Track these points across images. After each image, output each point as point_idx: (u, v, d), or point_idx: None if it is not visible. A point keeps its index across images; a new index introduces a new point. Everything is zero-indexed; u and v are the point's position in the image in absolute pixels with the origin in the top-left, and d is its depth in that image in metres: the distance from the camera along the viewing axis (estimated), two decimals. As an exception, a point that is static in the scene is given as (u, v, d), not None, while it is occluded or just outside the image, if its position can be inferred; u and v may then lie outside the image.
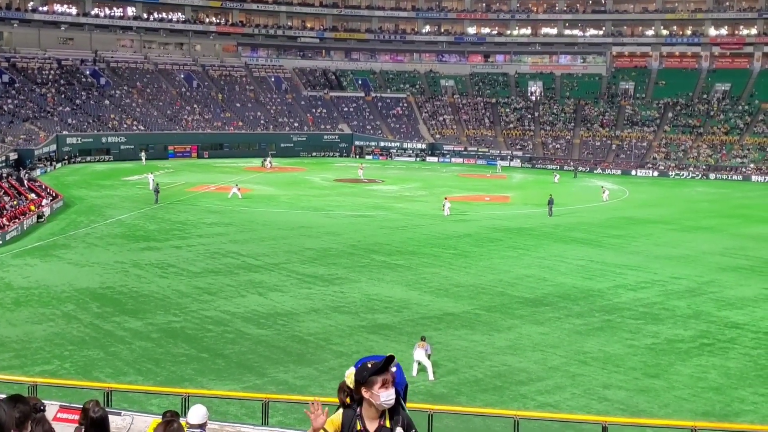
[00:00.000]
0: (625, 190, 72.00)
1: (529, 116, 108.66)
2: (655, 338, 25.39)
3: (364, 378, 5.08)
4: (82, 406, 7.73)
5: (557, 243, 42.41)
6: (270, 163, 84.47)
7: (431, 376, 21.19)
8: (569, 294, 30.98)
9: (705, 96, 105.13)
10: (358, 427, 5.14)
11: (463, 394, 20.31)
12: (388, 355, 5.15)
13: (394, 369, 5.24)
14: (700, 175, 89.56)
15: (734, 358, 23.63)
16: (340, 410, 5.27)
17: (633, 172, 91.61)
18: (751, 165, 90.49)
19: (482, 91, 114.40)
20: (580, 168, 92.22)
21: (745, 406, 20.02)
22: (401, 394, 5.28)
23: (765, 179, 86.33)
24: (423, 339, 22.03)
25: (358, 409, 5.17)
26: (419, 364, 21.48)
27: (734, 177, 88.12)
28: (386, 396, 5.04)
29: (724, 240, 44.66)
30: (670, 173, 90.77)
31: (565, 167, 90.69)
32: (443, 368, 22.13)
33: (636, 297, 30.79)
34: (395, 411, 5.19)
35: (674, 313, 28.52)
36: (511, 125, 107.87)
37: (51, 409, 11.21)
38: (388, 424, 5.13)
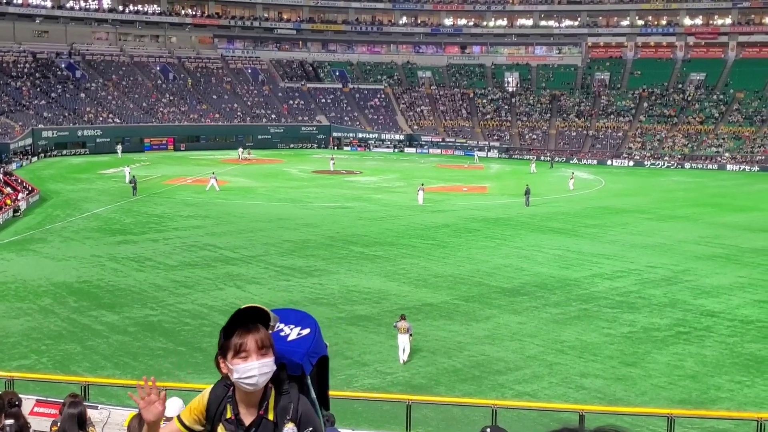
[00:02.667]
0: (601, 179, 72.35)
1: (506, 107, 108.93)
2: (632, 327, 25.56)
3: (219, 341, 3.56)
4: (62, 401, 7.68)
5: (534, 233, 42.56)
6: (242, 154, 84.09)
7: (405, 358, 21.27)
8: (546, 283, 31.11)
9: (680, 86, 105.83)
10: (228, 415, 3.60)
11: (442, 384, 20.36)
12: (254, 306, 3.55)
13: (276, 325, 3.68)
14: (675, 165, 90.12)
15: (710, 346, 23.84)
16: (207, 390, 3.74)
17: (609, 162, 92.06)
18: (726, 154, 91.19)
19: (459, 82, 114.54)
20: (556, 158, 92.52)
21: (722, 394, 20.21)
22: (306, 370, 3.70)
23: (740, 168, 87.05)
24: (403, 318, 22.03)
25: (231, 389, 3.62)
26: (404, 350, 21.53)
27: (709, 166, 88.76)
28: (244, 370, 3.44)
29: (700, 229, 44.99)
30: (646, 163, 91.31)
31: (542, 157, 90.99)
32: (422, 359, 22.17)
33: (612, 286, 30.97)
34: (287, 396, 3.61)
35: (650, 301, 28.72)
36: (488, 116, 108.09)
37: (28, 403, 11.12)
38: (271, 416, 3.56)
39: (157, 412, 3.63)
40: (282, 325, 3.71)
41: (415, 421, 14.84)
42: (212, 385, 3.71)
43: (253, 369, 3.43)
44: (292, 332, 3.72)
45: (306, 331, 3.74)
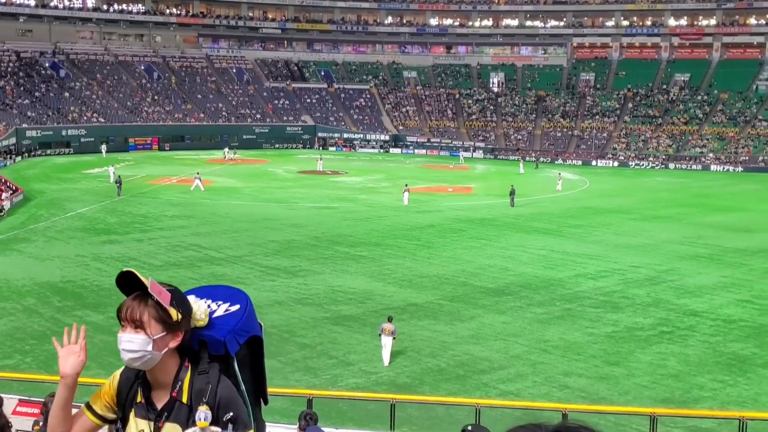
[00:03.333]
0: (586, 180, 72.64)
1: (491, 107, 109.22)
2: (615, 326, 25.73)
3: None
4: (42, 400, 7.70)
5: (519, 233, 42.72)
6: (227, 154, 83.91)
7: (387, 362, 21.31)
8: (531, 283, 31.25)
9: (665, 86, 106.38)
10: (139, 399, 3.27)
11: (426, 384, 20.45)
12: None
13: (203, 304, 3.34)
14: (659, 165, 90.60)
15: (693, 346, 24.02)
16: (117, 372, 3.42)
17: (593, 163, 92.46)
18: (710, 154, 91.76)
19: (445, 82, 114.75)
20: (541, 159, 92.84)
21: (704, 393, 20.38)
22: (232, 349, 3.28)
23: (724, 169, 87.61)
24: (390, 320, 21.99)
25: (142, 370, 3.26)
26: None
27: (693, 167, 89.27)
28: (118, 341, 3.15)
29: (684, 229, 45.26)
30: (630, 163, 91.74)
31: (527, 158, 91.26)
32: (407, 358, 22.25)
33: (596, 286, 31.14)
34: (204, 376, 3.21)
35: (634, 301, 28.90)
36: (474, 116, 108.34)
37: (10, 403, 11.13)
38: (185, 399, 3.18)
39: (76, 364, 3.29)
40: (209, 302, 3.38)
41: (399, 420, 14.92)
42: (124, 366, 3.31)
43: (120, 342, 3.15)
44: (219, 308, 3.37)
45: (235, 307, 3.37)
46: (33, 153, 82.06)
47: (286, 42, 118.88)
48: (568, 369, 21.67)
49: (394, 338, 21.54)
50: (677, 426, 17.27)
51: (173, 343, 3.17)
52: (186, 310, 3.21)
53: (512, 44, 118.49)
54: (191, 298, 3.34)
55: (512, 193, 52.64)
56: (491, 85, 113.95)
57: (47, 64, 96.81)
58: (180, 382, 3.21)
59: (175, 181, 62.98)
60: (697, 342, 24.41)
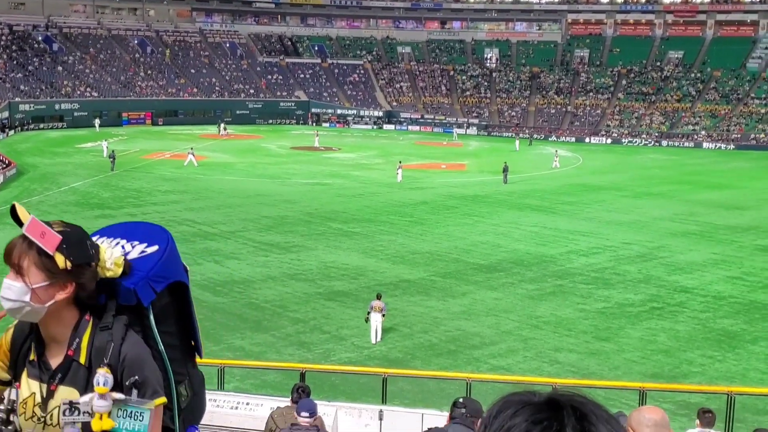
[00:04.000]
0: (579, 157, 72.67)
1: (486, 84, 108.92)
2: (606, 302, 25.90)
3: None
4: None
5: (512, 210, 42.81)
6: (224, 130, 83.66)
7: (379, 338, 21.40)
8: (523, 260, 31.38)
9: (658, 63, 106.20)
10: (32, 357, 2.77)
11: (418, 359, 20.59)
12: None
13: (110, 241, 2.91)
14: (652, 143, 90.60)
15: (683, 322, 24.21)
16: (12, 325, 2.92)
17: (587, 140, 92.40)
18: (703, 132, 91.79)
19: (439, 58, 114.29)
20: (535, 135, 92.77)
21: (693, 368, 20.57)
22: (145, 299, 2.78)
23: (716, 146, 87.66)
24: (379, 297, 22.02)
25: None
26: (377, 330, 21.63)
27: (686, 144, 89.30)
28: (5, 288, 2.67)
29: (675, 206, 45.40)
30: (624, 140, 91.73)
31: (520, 135, 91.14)
32: (398, 333, 22.38)
33: (588, 262, 31.29)
34: (107, 333, 2.70)
35: (625, 277, 29.06)
36: (468, 93, 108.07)
37: None
38: (83, 358, 2.69)
39: None
40: (123, 241, 2.90)
41: (391, 394, 15.04)
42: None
43: (14, 289, 2.65)
44: (134, 250, 2.87)
45: (153, 248, 2.88)
46: (26, 127, 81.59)
47: (279, 16, 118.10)
48: (558, 344, 21.83)
49: (383, 315, 21.60)
50: (666, 400, 17.41)
51: (61, 295, 2.65)
52: (81, 257, 2.65)
53: (507, 20, 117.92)
54: (103, 242, 2.86)
55: (505, 170, 52.64)
56: (486, 61, 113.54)
57: (40, 38, 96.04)
58: (78, 339, 2.70)
59: (168, 156, 62.80)
60: (687, 318, 24.59)
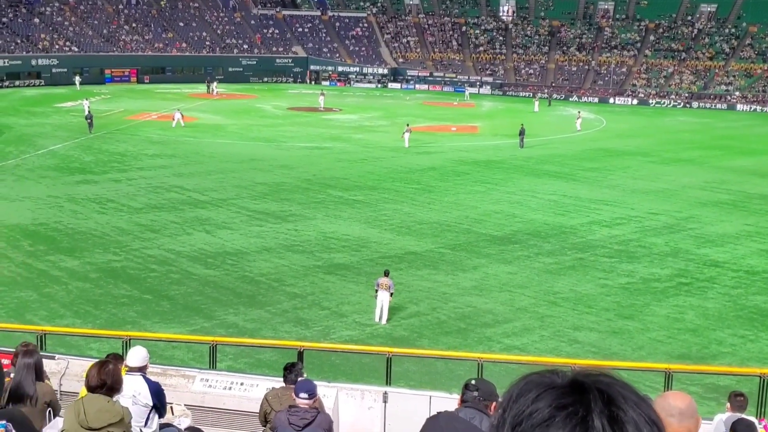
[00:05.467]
0: (602, 119, 72.41)
1: (501, 39, 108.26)
2: (630, 277, 25.87)
3: None
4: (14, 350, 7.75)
5: (528, 177, 42.71)
6: (214, 88, 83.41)
7: (384, 320, 21.36)
8: (540, 231, 31.34)
9: (689, 18, 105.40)
10: None
11: (425, 337, 20.62)
12: None
13: None
14: (681, 104, 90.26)
15: (713, 298, 24.19)
16: None
17: (611, 100, 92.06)
18: (737, 93, 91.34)
19: (450, 10, 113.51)
20: (554, 95, 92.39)
21: (723, 348, 20.57)
22: None
23: (751, 108, 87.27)
24: (386, 274, 21.87)
25: None
26: (383, 308, 21.52)
27: (718, 106, 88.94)
28: None
29: (706, 173, 45.28)
30: (651, 101, 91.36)
31: (539, 94, 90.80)
32: (404, 310, 22.40)
33: (611, 234, 31.23)
34: None
35: (651, 250, 29.02)
36: (481, 48, 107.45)
37: (-21, 354, 11.21)
38: None
39: None
40: None
41: (396, 375, 15.07)
42: None
43: None
44: None
45: None
46: (0, 84, 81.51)
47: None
48: (578, 323, 21.84)
49: (391, 294, 21.52)
50: (694, 383, 17.45)
51: None
52: None
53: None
54: None
55: (522, 132, 52.47)
56: (501, 14, 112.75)
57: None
58: None
59: (155, 117, 62.67)
60: (717, 294, 24.57)
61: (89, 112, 55.06)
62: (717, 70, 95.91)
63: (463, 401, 6.27)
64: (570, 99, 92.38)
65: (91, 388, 6.81)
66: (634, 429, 1.54)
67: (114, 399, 6.89)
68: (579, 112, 68.01)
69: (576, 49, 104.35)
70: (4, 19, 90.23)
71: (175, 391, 10.92)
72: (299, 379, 8.92)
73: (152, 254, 26.92)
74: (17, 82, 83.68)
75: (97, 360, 8.33)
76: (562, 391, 1.58)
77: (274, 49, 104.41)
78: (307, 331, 20.64)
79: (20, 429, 6.48)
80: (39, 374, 7.90)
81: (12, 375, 7.98)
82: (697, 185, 41.66)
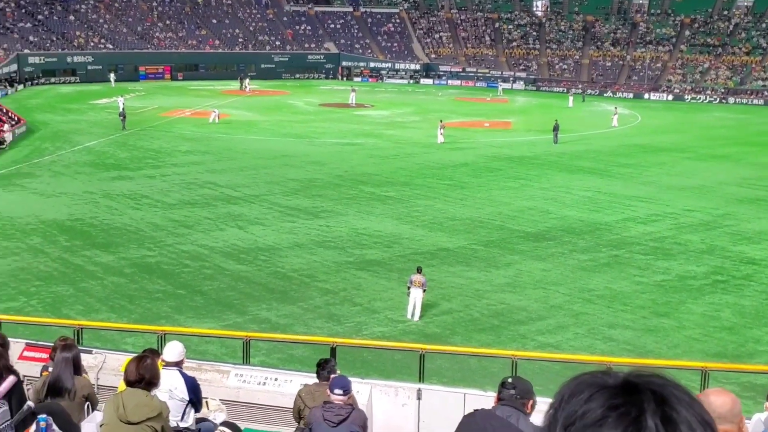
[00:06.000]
0: (637, 115, 71.86)
1: (534, 34, 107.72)
2: (666, 275, 25.68)
3: None
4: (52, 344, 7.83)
5: (562, 173, 42.51)
6: (247, 86, 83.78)
7: (417, 317, 21.34)
8: (574, 228, 31.18)
9: (726, 12, 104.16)
10: None
11: (458, 334, 20.59)
12: None
13: None
14: (718, 99, 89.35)
15: (749, 296, 23.96)
16: None
17: (646, 96, 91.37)
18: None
19: (483, 5, 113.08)
20: (588, 91, 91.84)
21: (760, 347, 20.38)
22: None
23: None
24: (419, 270, 21.81)
25: None
26: (416, 306, 21.47)
27: (755, 101, 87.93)
28: None
29: (742, 169, 44.82)
30: (686, 97, 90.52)
31: (573, 90, 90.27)
32: (437, 307, 22.37)
33: (646, 231, 31.02)
34: None
35: (687, 247, 28.78)
36: (514, 44, 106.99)
37: (16, 347, 11.36)
38: None
39: None
40: None
41: (428, 372, 15.02)
42: None
43: None
44: None
45: None
46: (36, 81, 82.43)
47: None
48: (613, 320, 21.71)
49: (424, 291, 21.47)
50: (730, 382, 17.26)
51: None
52: None
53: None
54: None
55: (556, 128, 52.23)
56: (534, 9, 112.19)
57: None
58: None
59: (189, 113, 63.11)
60: (754, 292, 24.33)
61: (123, 109, 55.54)
62: (754, 65, 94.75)
63: (499, 399, 6.24)
64: (604, 94, 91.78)
65: (129, 383, 6.87)
66: (688, 429, 1.53)
67: (152, 393, 6.95)
68: (615, 108, 67.59)
69: (610, 45, 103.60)
70: (40, 17, 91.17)
71: (210, 386, 10.98)
72: (333, 375, 8.93)
73: (186, 250, 27.11)
74: (53, 79, 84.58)
75: (133, 355, 8.40)
76: (615, 392, 1.58)
77: (306, 45, 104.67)
78: (339, 327, 20.69)
79: (60, 422, 6.56)
80: (77, 368, 7.98)
81: (50, 369, 8.07)
82: (734, 182, 41.25)
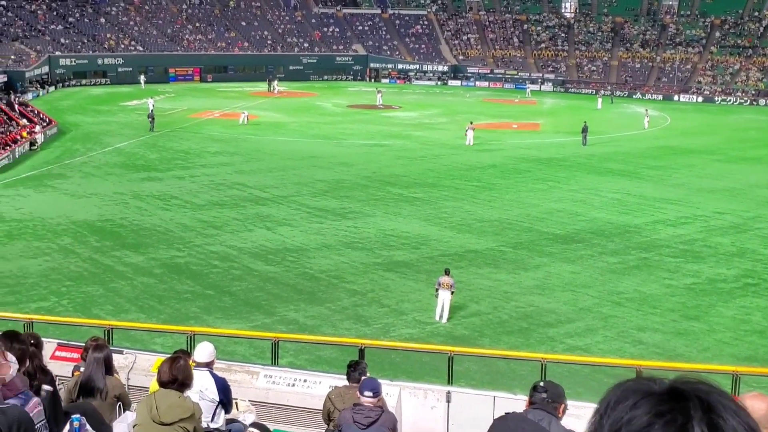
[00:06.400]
0: (667, 116, 71.39)
1: (563, 35, 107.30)
2: (696, 278, 25.48)
3: None
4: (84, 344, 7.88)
5: (591, 174, 42.32)
6: (276, 87, 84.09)
7: (445, 319, 21.28)
8: (603, 230, 31.02)
9: (756, 13, 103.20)
10: None
11: (486, 336, 20.54)
12: None
13: None
14: (748, 101, 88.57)
15: (781, 300, 23.75)
16: None
17: (675, 98, 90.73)
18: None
19: (511, 7, 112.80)
20: (617, 92, 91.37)
21: (791, 351, 20.17)
22: None
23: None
24: (447, 272, 21.73)
25: None
26: (444, 307, 21.41)
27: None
28: None
29: (774, 172, 44.44)
30: (716, 99, 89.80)
31: (602, 92, 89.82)
32: (465, 309, 22.33)
33: (676, 233, 30.79)
34: None
35: (717, 250, 28.55)
36: (543, 45, 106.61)
37: (48, 347, 11.44)
38: None
39: None
40: None
41: (457, 374, 14.98)
42: None
43: None
44: None
45: None
46: (67, 83, 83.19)
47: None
48: (642, 323, 21.56)
49: (452, 292, 21.41)
50: (761, 386, 17.08)
51: None
52: None
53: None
54: None
55: (585, 130, 52.00)
56: (563, 10, 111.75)
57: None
58: None
59: (217, 115, 63.45)
60: (786, 296, 24.09)
61: (151, 111, 55.91)
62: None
63: (531, 403, 6.21)
64: (633, 96, 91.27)
65: (162, 384, 6.90)
66: None
67: (185, 395, 6.97)
68: (647, 110, 67.19)
69: (639, 46, 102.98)
70: (71, 19, 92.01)
71: (240, 387, 11.02)
72: (363, 377, 8.92)
73: (214, 250, 27.25)
74: (84, 81, 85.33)
75: (163, 355, 8.43)
76: (661, 399, 1.56)
77: (335, 47, 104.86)
78: (367, 328, 20.69)
79: (92, 422, 6.60)
80: (109, 368, 8.03)
81: (82, 369, 8.12)
82: (765, 184, 40.86)
